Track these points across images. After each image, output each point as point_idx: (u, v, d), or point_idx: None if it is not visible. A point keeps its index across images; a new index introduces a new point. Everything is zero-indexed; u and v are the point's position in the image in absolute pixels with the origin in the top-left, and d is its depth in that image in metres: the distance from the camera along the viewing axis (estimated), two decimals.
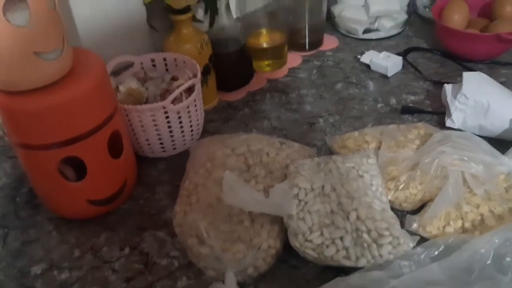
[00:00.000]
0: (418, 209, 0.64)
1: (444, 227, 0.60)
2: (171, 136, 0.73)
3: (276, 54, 0.95)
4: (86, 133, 0.59)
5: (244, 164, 0.64)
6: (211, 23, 0.86)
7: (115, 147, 0.64)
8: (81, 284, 0.59)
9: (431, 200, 0.63)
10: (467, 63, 0.93)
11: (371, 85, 0.91)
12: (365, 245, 0.56)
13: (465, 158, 0.61)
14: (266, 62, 0.96)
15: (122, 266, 0.61)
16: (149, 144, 0.74)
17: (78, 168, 0.63)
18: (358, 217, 0.57)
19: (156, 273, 0.60)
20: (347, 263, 0.56)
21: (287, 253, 0.59)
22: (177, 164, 0.75)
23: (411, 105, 0.84)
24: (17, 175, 0.75)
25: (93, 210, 0.66)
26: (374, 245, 0.56)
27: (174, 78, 0.75)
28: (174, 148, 0.76)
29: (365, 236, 0.56)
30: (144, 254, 0.62)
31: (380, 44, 1.03)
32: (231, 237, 0.57)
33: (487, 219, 0.59)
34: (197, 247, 0.57)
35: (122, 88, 0.72)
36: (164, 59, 0.81)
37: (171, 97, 0.69)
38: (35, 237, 0.66)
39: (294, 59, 1.00)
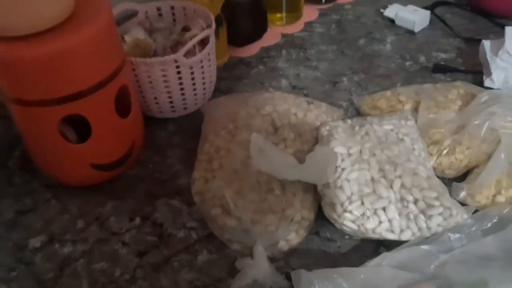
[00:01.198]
0: (461, 177, 0.58)
1: (494, 196, 0.54)
2: (182, 94, 0.66)
3: (291, 6, 0.87)
4: (91, 88, 0.51)
5: (271, 125, 0.58)
6: None
7: (121, 105, 0.57)
8: (87, 258, 0.53)
9: (476, 166, 0.57)
10: (499, 19, 0.86)
11: (396, 41, 0.83)
12: (411, 216, 0.50)
13: None
14: (280, 15, 0.87)
15: (133, 238, 0.55)
16: (157, 103, 0.66)
17: (80, 129, 0.55)
18: (402, 185, 0.51)
19: (172, 247, 0.53)
20: (390, 236, 0.51)
21: (319, 224, 0.54)
22: (188, 125, 0.68)
23: (442, 63, 0.77)
24: (9, 137, 0.67)
25: (98, 175, 0.59)
26: (421, 216, 0.50)
27: (185, 29, 0.66)
28: (185, 108, 0.68)
29: (412, 206, 0.50)
30: (158, 225, 0.56)
31: None
32: (261, 208, 0.51)
33: None
34: (222, 218, 0.51)
35: (128, 39, 0.63)
36: (172, 8, 0.72)
37: (184, 49, 0.61)
38: (32, 206, 0.59)
39: (310, 12, 0.91)
